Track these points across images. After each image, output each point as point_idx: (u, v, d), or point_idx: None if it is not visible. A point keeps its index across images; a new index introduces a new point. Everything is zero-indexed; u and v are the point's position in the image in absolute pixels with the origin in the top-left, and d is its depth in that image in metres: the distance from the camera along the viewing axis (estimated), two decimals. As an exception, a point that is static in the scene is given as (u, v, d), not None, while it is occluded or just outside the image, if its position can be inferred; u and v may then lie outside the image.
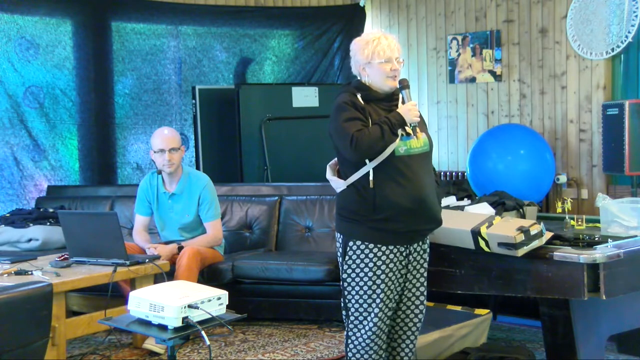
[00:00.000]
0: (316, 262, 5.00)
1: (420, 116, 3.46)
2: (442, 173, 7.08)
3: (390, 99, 3.32)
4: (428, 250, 3.44)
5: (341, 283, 3.38)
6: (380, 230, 3.24)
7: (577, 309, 3.55)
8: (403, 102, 3.31)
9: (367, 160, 3.21)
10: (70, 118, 6.67)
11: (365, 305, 3.29)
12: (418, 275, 3.40)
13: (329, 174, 3.40)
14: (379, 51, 3.27)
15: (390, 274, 3.28)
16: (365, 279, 3.28)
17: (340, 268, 3.37)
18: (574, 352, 3.58)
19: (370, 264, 3.26)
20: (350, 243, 3.30)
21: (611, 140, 5.73)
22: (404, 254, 3.31)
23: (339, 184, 3.33)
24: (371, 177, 3.21)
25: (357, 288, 3.30)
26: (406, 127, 3.23)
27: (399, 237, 3.26)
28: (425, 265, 3.42)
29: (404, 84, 3.29)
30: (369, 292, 3.27)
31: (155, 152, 5.00)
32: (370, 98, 3.31)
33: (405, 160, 3.23)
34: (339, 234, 3.36)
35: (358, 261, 3.28)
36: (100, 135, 6.82)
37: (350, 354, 3.36)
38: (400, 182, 3.21)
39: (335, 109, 3.29)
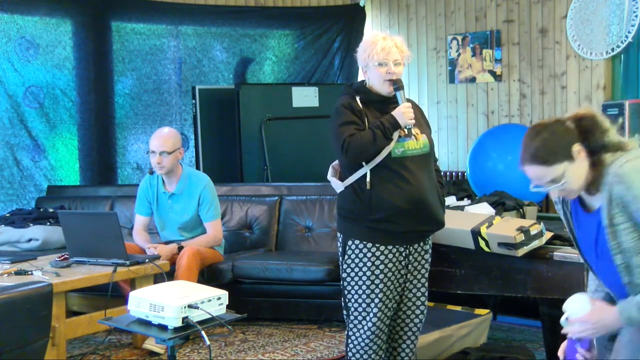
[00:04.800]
0: (316, 262, 5.00)
1: (424, 117, 3.46)
2: (442, 173, 7.08)
3: (389, 101, 3.31)
4: (430, 251, 3.43)
5: (341, 282, 3.38)
6: (378, 230, 3.24)
7: (577, 309, 3.54)
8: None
9: (363, 162, 3.22)
10: (70, 118, 6.66)
11: (364, 305, 3.29)
12: (419, 276, 3.39)
13: (330, 175, 3.40)
14: (373, 54, 3.26)
15: (390, 274, 3.28)
16: (364, 278, 3.28)
17: (340, 267, 3.37)
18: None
19: (369, 263, 3.26)
20: (349, 242, 3.30)
21: (611, 140, 5.73)
22: (403, 254, 3.30)
23: (337, 185, 3.34)
24: (368, 179, 3.21)
25: (356, 287, 3.31)
26: (401, 130, 3.21)
27: (397, 237, 3.26)
28: (427, 266, 3.41)
29: (398, 85, 3.26)
30: (368, 291, 3.28)
31: (148, 151, 5.01)
32: (370, 100, 3.30)
33: (402, 161, 3.22)
34: (339, 234, 3.37)
35: (357, 260, 3.29)
36: (100, 135, 6.81)
37: (350, 354, 3.36)
38: (397, 184, 3.20)
39: (333, 113, 3.32)
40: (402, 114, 3.20)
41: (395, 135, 3.21)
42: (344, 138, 3.18)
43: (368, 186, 3.21)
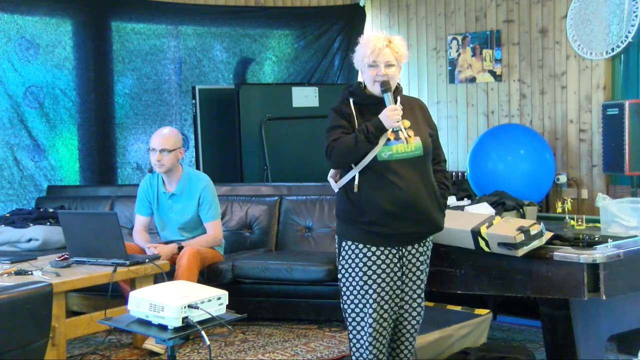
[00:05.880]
0: (316, 262, 5.00)
1: (426, 117, 3.44)
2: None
3: (384, 103, 3.26)
4: (428, 252, 3.40)
5: (339, 284, 3.38)
6: (369, 232, 3.24)
7: (577, 309, 3.54)
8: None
9: (352, 165, 3.22)
10: (70, 118, 6.67)
11: (360, 306, 3.29)
12: (414, 278, 3.36)
13: (330, 176, 3.40)
14: (362, 56, 3.26)
15: (384, 275, 3.26)
16: (357, 279, 3.27)
17: (337, 269, 3.38)
18: (574, 352, 3.58)
19: (361, 264, 3.26)
20: (343, 243, 3.31)
21: (611, 140, 5.73)
22: (397, 256, 3.28)
23: (334, 186, 3.36)
24: (356, 182, 3.21)
25: (350, 288, 3.31)
26: (388, 133, 3.19)
27: (389, 239, 3.24)
28: (422, 267, 3.37)
29: (386, 87, 3.22)
30: (362, 292, 3.27)
31: (149, 149, 5.01)
32: (364, 102, 3.29)
33: (389, 165, 3.19)
34: (336, 236, 3.38)
35: (350, 261, 3.29)
36: (100, 135, 6.82)
37: (353, 357, 3.35)
38: (385, 187, 3.19)
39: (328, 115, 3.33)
40: (387, 117, 3.16)
41: (383, 138, 3.19)
42: (328, 143, 3.20)
43: (356, 189, 3.21)
